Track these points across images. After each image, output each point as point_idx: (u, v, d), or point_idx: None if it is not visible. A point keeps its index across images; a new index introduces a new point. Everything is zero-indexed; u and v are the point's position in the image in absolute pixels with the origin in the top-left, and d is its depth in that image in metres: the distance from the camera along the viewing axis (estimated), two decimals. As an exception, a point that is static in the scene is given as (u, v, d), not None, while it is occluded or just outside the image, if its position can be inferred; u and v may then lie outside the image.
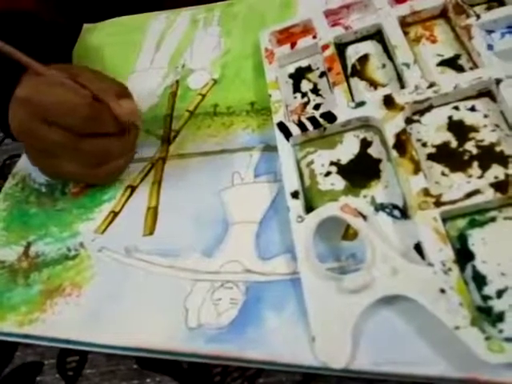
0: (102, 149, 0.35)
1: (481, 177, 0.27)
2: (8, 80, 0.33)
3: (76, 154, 0.34)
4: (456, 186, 0.27)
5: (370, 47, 0.36)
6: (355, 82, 0.35)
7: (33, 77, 0.33)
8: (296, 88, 0.37)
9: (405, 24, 0.35)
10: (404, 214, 0.28)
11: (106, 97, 0.33)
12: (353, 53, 0.37)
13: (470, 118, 0.30)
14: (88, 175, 0.36)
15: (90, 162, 0.35)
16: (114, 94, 0.34)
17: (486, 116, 0.29)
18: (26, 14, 0.44)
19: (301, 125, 0.33)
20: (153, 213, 0.35)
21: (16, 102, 0.33)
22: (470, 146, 0.28)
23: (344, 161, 0.31)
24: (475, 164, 0.28)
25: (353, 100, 0.33)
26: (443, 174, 0.28)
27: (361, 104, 0.32)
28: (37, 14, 0.45)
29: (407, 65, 0.32)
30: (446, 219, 0.26)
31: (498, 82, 0.29)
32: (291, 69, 0.38)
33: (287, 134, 0.33)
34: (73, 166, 0.34)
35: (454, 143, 0.29)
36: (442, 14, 0.35)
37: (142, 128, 0.37)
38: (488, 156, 0.28)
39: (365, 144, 0.31)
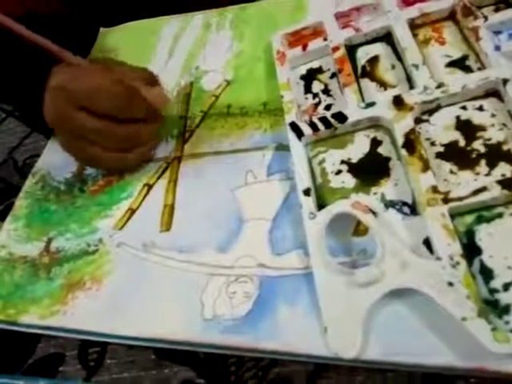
0: (135, 134, 0.37)
1: (488, 174, 0.28)
2: (38, 73, 0.35)
3: (111, 139, 0.35)
4: (464, 183, 0.28)
5: (379, 49, 0.37)
6: (365, 82, 0.36)
7: (67, 66, 0.34)
8: (307, 89, 0.38)
9: (414, 26, 0.36)
10: (413, 210, 0.28)
11: (138, 84, 0.35)
12: (363, 54, 0.37)
13: (477, 118, 0.30)
14: (119, 159, 0.38)
15: (122, 147, 0.37)
16: (144, 81, 0.35)
17: (493, 115, 0.30)
18: (56, 16, 0.45)
19: (312, 125, 0.33)
20: (169, 210, 0.36)
21: (52, 90, 0.34)
22: (477, 145, 0.29)
23: (354, 159, 0.32)
24: (483, 162, 0.28)
25: (363, 100, 0.34)
26: (451, 171, 0.29)
27: (371, 104, 0.33)
28: (63, 18, 0.47)
29: (416, 66, 0.33)
30: (454, 215, 0.27)
31: (505, 82, 0.29)
32: (303, 70, 0.39)
33: (299, 133, 0.33)
34: (106, 151, 0.36)
35: (462, 142, 0.30)
36: (451, 16, 0.35)
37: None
38: (495, 154, 0.28)
39: (375, 143, 0.32)
